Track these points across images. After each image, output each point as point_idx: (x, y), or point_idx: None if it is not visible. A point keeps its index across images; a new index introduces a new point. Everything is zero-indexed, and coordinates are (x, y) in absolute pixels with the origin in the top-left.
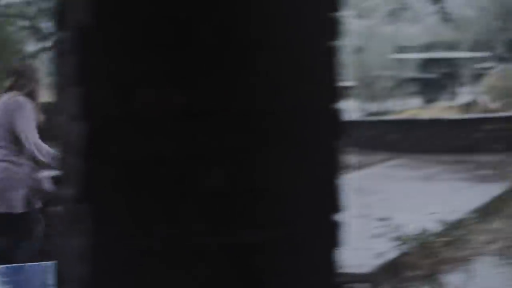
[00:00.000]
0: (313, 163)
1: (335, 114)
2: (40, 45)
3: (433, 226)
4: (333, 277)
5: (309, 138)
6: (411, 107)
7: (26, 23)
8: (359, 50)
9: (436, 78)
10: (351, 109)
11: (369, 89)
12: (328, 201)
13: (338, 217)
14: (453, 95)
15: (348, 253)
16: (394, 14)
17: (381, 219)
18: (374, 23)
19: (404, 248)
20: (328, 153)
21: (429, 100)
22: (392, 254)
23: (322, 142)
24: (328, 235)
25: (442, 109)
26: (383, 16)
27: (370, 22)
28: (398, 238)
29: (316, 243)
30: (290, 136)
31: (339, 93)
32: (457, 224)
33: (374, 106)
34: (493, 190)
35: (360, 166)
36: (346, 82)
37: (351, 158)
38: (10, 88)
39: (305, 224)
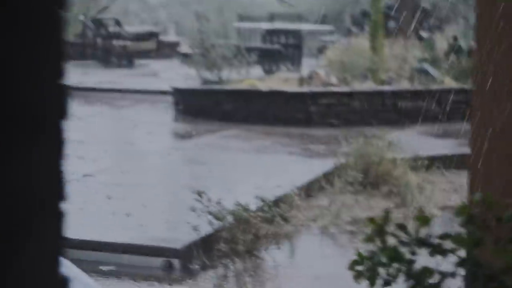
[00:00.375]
0: (35, 147)
1: (60, 91)
2: None
3: (254, 201)
4: (57, 270)
5: (31, 118)
6: (250, 78)
7: None
8: (200, 17)
9: (278, 49)
10: (187, 77)
11: (207, 57)
12: (52, 189)
13: (62, 206)
14: (295, 67)
15: (162, 227)
16: None
17: (200, 192)
18: None
19: (222, 223)
20: (52, 136)
21: (269, 71)
22: (208, 229)
23: (45, 124)
24: (52, 226)
25: (281, 81)
26: None
27: None
28: (216, 212)
29: (37, 234)
30: (7, 118)
31: (64, 68)
32: (280, 200)
33: (211, 75)
34: (323, 166)
35: (192, 136)
36: (185, 49)
37: (183, 127)
38: None
39: (22, 214)
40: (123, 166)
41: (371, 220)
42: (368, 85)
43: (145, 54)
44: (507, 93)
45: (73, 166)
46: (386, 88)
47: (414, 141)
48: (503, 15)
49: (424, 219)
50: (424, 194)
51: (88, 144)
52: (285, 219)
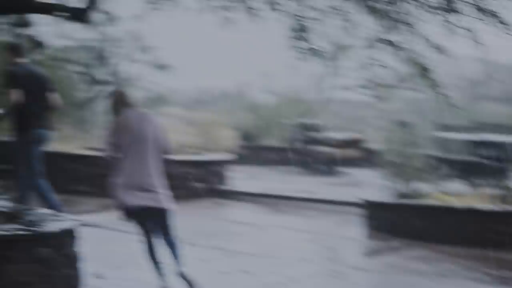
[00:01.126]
0: None
1: None
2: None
3: None
4: None
5: None
6: (445, 192)
7: (78, 68)
8: (403, 125)
9: (481, 162)
10: (384, 188)
11: (402, 168)
12: None
13: None
14: (500, 183)
15: None
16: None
17: None
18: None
19: None
20: None
21: (470, 187)
22: None
23: None
24: None
25: (479, 198)
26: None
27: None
28: None
29: None
30: None
31: None
32: None
33: (405, 187)
34: None
35: (371, 255)
36: (385, 157)
37: (366, 244)
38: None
39: None
40: (288, 285)
41: None
42: None
43: (350, 162)
44: None
45: (235, 282)
46: None
47: None
48: None
49: None
50: None
51: (259, 258)
52: None
